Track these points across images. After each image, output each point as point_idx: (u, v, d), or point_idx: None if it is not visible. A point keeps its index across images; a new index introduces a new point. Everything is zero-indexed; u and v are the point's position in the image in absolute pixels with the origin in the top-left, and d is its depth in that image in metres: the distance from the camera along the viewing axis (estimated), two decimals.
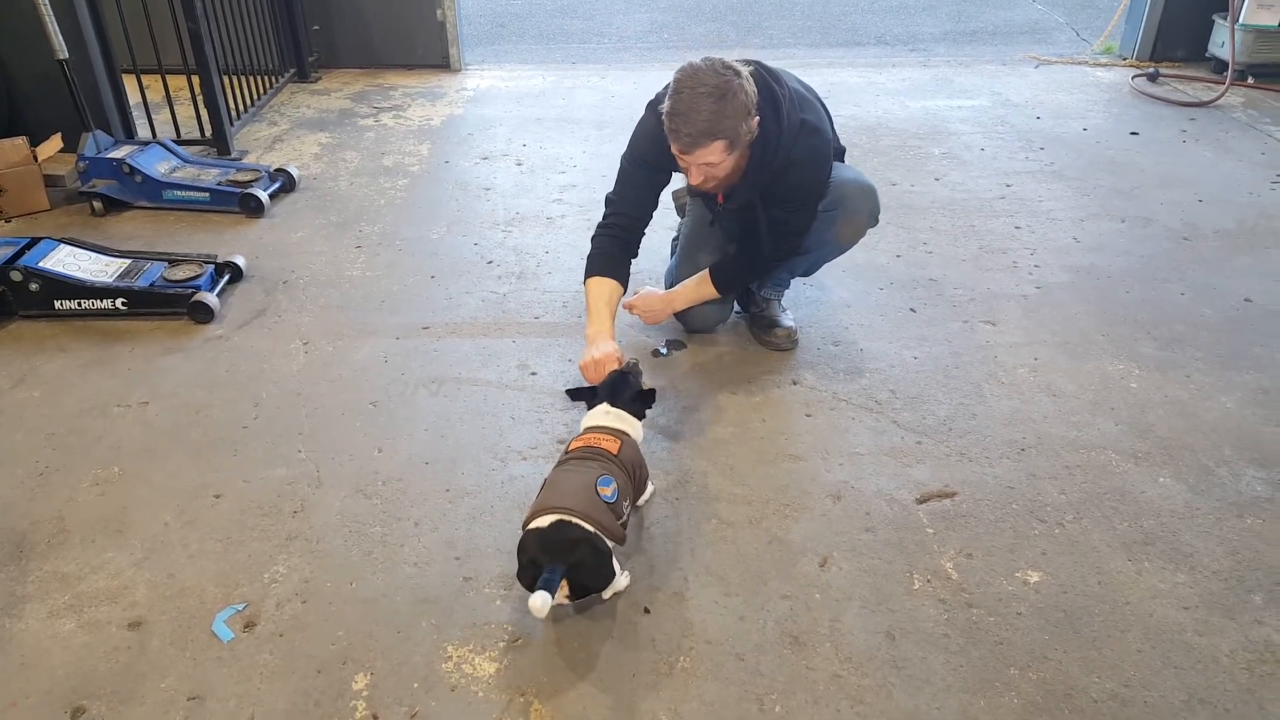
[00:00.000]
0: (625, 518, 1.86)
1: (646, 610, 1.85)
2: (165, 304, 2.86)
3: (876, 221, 2.55)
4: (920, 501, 2.15)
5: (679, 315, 2.75)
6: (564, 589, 1.71)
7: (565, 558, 1.70)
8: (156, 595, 1.89)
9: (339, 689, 1.70)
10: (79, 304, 2.84)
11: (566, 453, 1.96)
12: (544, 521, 1.73)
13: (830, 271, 2.89)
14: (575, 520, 1.72)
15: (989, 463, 2.27)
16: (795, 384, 2.57)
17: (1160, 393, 2.52)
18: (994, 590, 1.91)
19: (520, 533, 1.77)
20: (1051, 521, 2.09)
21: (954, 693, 1.69)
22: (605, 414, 2.05)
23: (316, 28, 5.23)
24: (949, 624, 1.83)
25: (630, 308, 2.64)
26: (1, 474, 2.23)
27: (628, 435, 2.01)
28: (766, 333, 2.72)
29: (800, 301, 2.94)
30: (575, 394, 2.18)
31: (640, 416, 2.10)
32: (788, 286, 2.82)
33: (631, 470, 1.94)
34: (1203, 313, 2.90)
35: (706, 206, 2.62)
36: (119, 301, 2.85)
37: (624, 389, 2.10)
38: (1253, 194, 3.75)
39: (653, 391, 2.16)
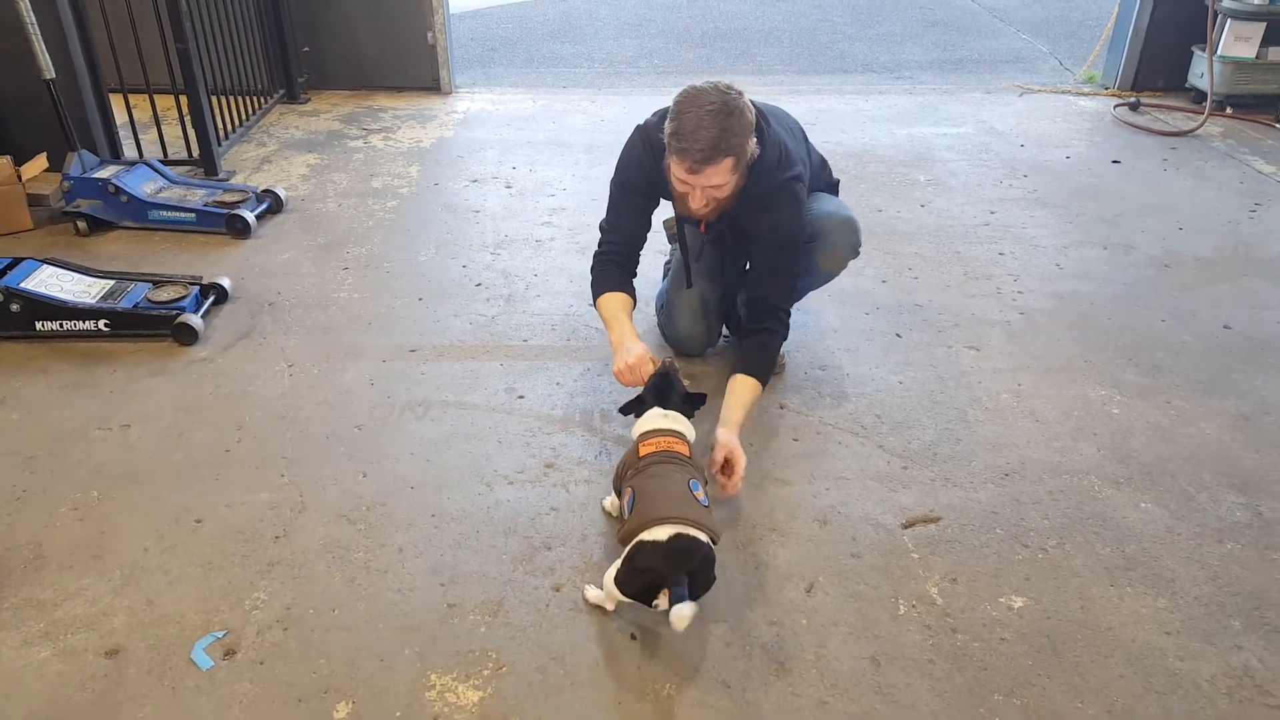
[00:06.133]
0: None
1: (633, 636, 1.85)
2: (149, 325, 2.85)
3: (857, 254, 2.56)
4: (906, 526, 2.15)
5: (669, 339, 2.77)
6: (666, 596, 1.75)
7: (684, 566, 1.73)
8: (135, 622, 1.87)
9: (320, 719, 1.68)
10: (61, 325, 2.82)
11: (639, 458, 1.96)
12: (662, 534, 1.74)
13: (816, 297, 2.91)
14: (691, 531, 1.75)
15: (973, 488, 2.28)
16: (782, 408, 2.58)
17: (1142, 419, 2.54)
18: (978, 615, 1.91)
19: (621, 546, 1.80)
20: (1035, 546, 2.09)
21: None
22: (662, 417, 2.06)
23: (306, 49, 5.24)
24: (934, 650, 1.83)
25: (733, 479, 2.12)
26: None
27: (685, 436, 2.03)
28: None
29: None
30: (627, 408, 2.18)
31: (689, 417, 2.11)
32: None
33: (700, 469, 1.98)
34: (1183, 339, 2.93)
35: (687, 238, 2.62)
36: (102, 323, 2.83)
37: (670, 391, 2.12)
38: (1232, 222, 3.80)
39: (703, 395, 2.17)
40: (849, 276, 2.73)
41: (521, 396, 2.62)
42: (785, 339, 2.44)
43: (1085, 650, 1.83)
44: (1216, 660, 1.81)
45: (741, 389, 2.30)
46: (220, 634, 1.84)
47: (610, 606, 1.87)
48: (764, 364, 2.37)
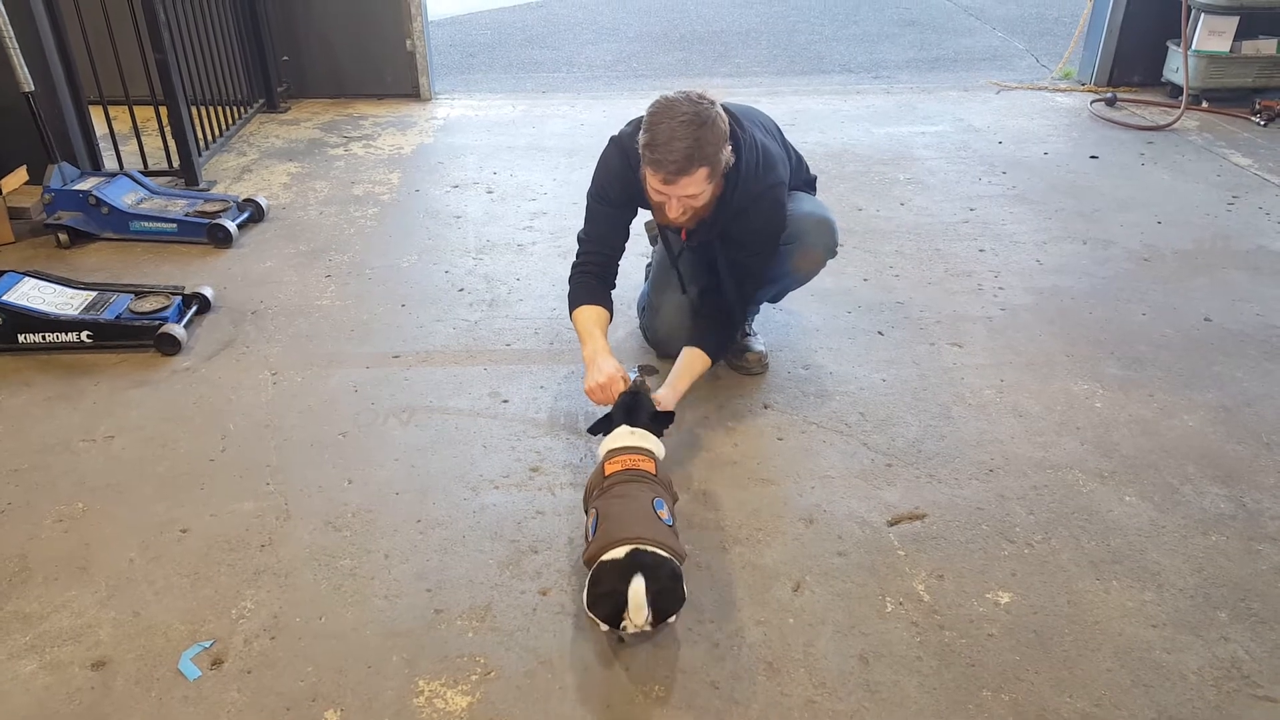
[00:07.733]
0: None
1: (621, 639, 1.84)
2: (131, 336, 2.83)
3: (834, 254, 2.58)
4: (891, 524, 2.16)
5: (650, 340, 2.77)
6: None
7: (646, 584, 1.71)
8: (121, 634, 1.86)
9: None
10: (43, 337, 2.80)
11: (604, 477, 1.96)
12: (619, 553, 1.73)
13: (799, 296, 2.92)
14: (650, 548, 1.74)
15: (958, 484, 2.29)
16: (766, 408, 2.59)
17: (1124, 412, 2.57)
18: (965, 612, 1.92)
19: (587, 568, 1.79)
20: (1020, 541, 2.11)
21: (927, 716, 1.69)
22: (630, 434, 2.06)
23: (285, 58, 5.22)
24: (921, 647, 1.84)
25: None
26: None
27: (653, 453, 2.02)
28: (738, 357, 2.74)
29: (770, 326, 2.97)
30: (595, 427, 2.18)
31: (658, 435, 2.11)
32: (758, 311, 2.84)
33: (667, 487, 1.97)
34: (1164, 332, 2.96)
35: (670, 243, 2.62)
36: (84, 334, 2.81)
37: (639, 409, 2.12)
38: (1210, 215, 3.84)
39: (671, 414, 2.20)
40: (830, 275, 2.75)
41: (505, 401, 2.61)
42: (740, 328, 2.64)
43: (1072, 644, 1.84)
44: (1203, 652, 1.83)
45: (691, 360, 2.42)
46: (207, 644, 1.83)
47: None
48: (719, 340, 2.50)
